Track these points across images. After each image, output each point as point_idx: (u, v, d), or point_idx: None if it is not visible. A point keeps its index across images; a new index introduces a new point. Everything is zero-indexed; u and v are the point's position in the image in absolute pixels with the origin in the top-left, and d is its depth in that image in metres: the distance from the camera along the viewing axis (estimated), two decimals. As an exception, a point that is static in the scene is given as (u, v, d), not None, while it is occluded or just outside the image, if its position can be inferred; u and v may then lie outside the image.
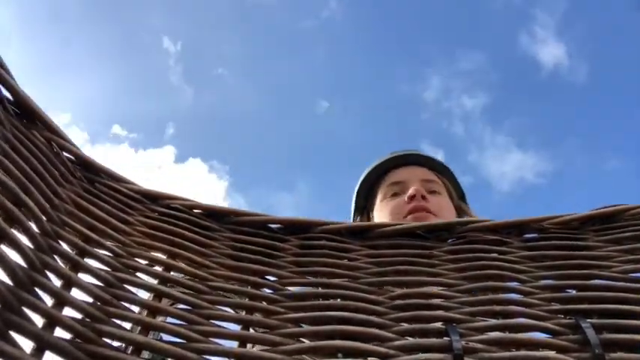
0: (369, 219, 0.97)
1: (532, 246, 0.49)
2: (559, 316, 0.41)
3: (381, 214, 0.93)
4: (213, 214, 0.48)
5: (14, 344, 0.29)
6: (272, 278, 0.45)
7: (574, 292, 0.43)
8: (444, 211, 0.88)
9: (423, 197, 0.87)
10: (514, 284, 0.44)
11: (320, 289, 0.44)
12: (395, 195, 0.92)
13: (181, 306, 0.39)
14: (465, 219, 0.51)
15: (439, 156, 1.04)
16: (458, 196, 0.98)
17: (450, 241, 0.50)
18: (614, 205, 0.51)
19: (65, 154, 0.41)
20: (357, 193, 1.00)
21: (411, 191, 0.88)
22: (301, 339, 0.39)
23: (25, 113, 0.39)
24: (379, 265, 0.47)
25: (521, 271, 0.46)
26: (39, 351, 0.30)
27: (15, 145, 0.35)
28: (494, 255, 0.47)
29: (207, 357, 0.36)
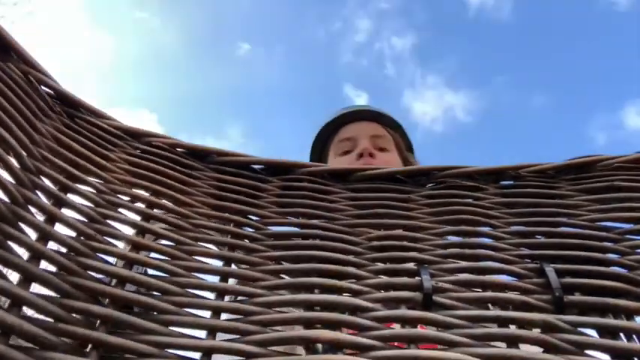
0: None
1: (507, 193, 0.50)
2: (526, 260, 0.43)
3: None
4: (195, 153, 0.48)
5: (1, 275, 0.30)
6: (254, 218, 0.46)
7: (543, 238, 0.45)
8: (390, 166, 0.94)
9: (371, 155, 0.92)
10: (486, 229, 0.46)
11: (300, 229, 0.45)
12: (346, 152, 0.97)
13: (164, 242, 0.40)
14: (444, 165, 0.52)
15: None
16: (406, 148, 1.04)
17: (428, 186, 0.51)
18: (589, 156, 0.52)
19: (44, 88, 0.40)
20: (312, 149, 1.05)
21: (358, 150, 0.94)
22: (281, 275, 0.41)
23: (0, 45, 0.37)
24: (358, 207, 0.48)
25: (494, 217, 0.47)
26: (26, 282, 0.31)
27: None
28: (469, 200, 0.49)
29: (190, 290, 0.37)
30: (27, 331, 0.29)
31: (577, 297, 0.40)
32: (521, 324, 0.38)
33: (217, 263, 0.41)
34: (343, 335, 0.35)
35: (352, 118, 1.01)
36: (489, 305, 0.39)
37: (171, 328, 0.34)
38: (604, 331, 0.38)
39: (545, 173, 0.52)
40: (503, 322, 0.38)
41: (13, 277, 0.31)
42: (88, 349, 0.31)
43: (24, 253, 0.32)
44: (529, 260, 0.43)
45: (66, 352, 0.30)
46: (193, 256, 0.40)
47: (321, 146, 1.04)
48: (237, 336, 0.35)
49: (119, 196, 0.40)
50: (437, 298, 0.39)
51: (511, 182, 0.52)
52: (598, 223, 0.47)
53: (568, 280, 0.41)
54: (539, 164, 0.53)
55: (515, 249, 0.44)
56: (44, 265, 0.33)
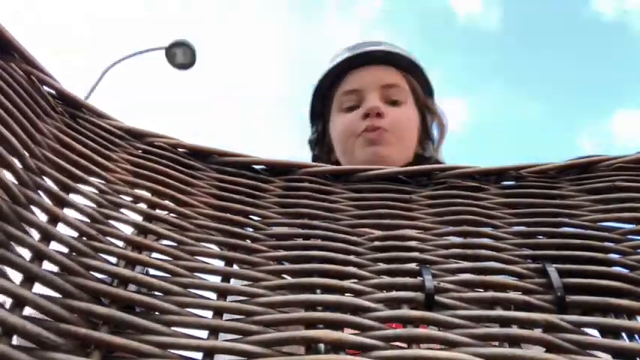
0: (324, 130, 0.91)
1: (508, 193, 0.50)
2: (528, 261, 0.43)
3: (336, 129, 0.86)
4: (197, 153, 0.48)
5: (4, 275, 0.30)
6: (255, 218, 0.46)
7: (544, 238, 0.45)
8: (401, 127, 0.82)
9: (379, 114, 0.79)
10: (488, 229, 0.46)
11: (301, 230, 0.45)
12: (351, 108, 0.83)
13: (166, 242, 0.40)
14: (446, 165, 0.52)
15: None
16: (425, 93, 0.88)
17: (429, 186, 0.51)
18: (591, 156, 0.52)
19: (46, 88, 0.40)
20: (312, 98, 0.90)
21: (364, 108, 0.80)
22: (282, 275, 0.41)
23: (1, 45, 0.37)
24: (359, 207, 0.48)
25: (495, 217, 0.47)
26: (28, 282, 0.31)
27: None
28: (471, 201, 0.49)
29: (192, 290, 0.37)
30: (29, 331, 0.29)
31: (579, 297, 0.40)
32: (524, 324, 0.38)
33: (219, 263, 0.41)
34: (345, 335, 0.35)
35: (360, 62, 0.83)
36: (491, 305, 0.39)
37: (173, 328, 0.34)
38: (606, 330, 0.38)
39: (546, 173, 0.52)
40: (505, 322, 0.38)
41: (16, 277, 0.31)
42: (90, 350, 0.31)
43: (26, 253, 0.32)
44: (531, 260, 0.43)
45: (68, 353, 0.30)
46: (195, 257, 0.40)
47: (321, 97, 0.88)
48: (240, 336, 0.35)
49: (121, 196, 0.40)
50: (439, 298, 0.39)
51: (512, 182, 0.52)
52: (600, 224, 0.47)
53: (570, 280, 0.41)
54: (540, 164, 0.53)
55: (517, 249, 0.44)
56: (46, 265, 0.33)
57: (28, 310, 0.30)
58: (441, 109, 0.92)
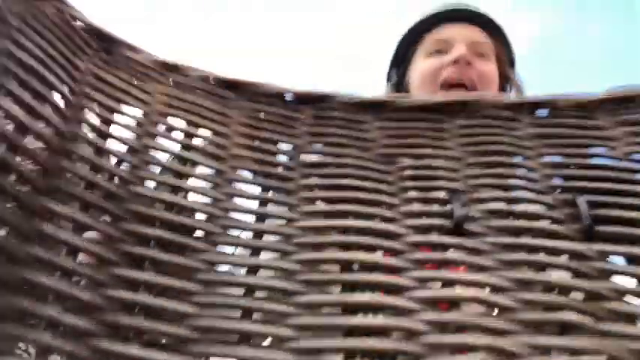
0: (404, 72, 0.93)
1: (542, 124, 0.50)
2: (558, 191, 0.44)
3: (418, 71, 0.89)
4: (228, 84, 0.48)
5: (63, 202, 0.32)
6: (287, 147, 0.47)
7: (576, 169, 0.46)
8: (486, 81, 0.82)
9: (469, 63, 0.81)
10: (519, 160, 0.46)
11: (333, 159, 0.46)
12: (438, 52, 0.86)
13: (205, 170, 0.41)
14: (479, 95, 0.51)
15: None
16: (508, 61, 0.90)
17: (462, 116, 0.51)
18: (629, 88, 0.50)
19: (78, 24, 0.40)
20: (401, 41, 0.93)
21: (455, 54, 0.82)
22: (316, 202, 0.42)
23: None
24: (390, 137, 0.48)
25: (527, 148, 0.47)
26: (83, 210, 0.33)
27: (26, 19, 0.34)
28: (503, 131, 0.49)
29: (232, 215, 0.39)
30: (92, 250, 0.32)
31: (607, 227, 0.41)
32: (550, 252, 0.39)
33: (255, 191, 0.43)
34: (379, 257, 0.38)
35: (453, 17, 0.87)
36: (519, 234, 0.40)
37: (218, 248, 0.36)
38: (632, 259, 0.39)
39: (582, 105, 0.51)
40: (532, 249, 0.39)
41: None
42: (145, 266, 0.34)
43: (79, 183, 0.34)
44: (561, 191, 0.44)
45: (127, 268, 0.33)
46: (233, 184, 0.41)
47: (410, 40, 0.91)
48: (279, 255, 0.38)
49: (159, 127, 0.41)
50: (468, 226, 0.40)
51: (546, 114, 0.51)
52: (633, 156, 0.46)
53: (599, 211, 0.42)
54: (576, 95, 0.52)
55: (548, 180, 0.45)
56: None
57: (86, 234, 0.33)
58: (522, 80, 0.92)
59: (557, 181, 0.44)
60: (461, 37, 0.85)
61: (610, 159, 0.46)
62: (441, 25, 0.88)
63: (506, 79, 0.89)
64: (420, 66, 0.88)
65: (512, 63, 0.92)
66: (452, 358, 0.32)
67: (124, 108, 0.40)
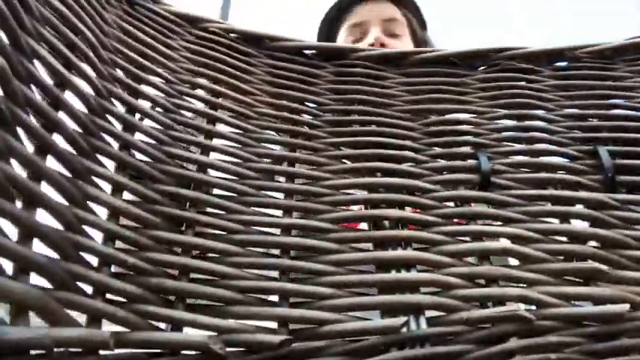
0: None
1: (562, 75, 0.50)
2: (579, 142, 0.44)
3: None
4: (249, 38, 0.47)
5: (100, 164, 0.32)
6: (311, 105, 0.47)
7: (597, 120, 0.46)
8: None
9: (382, 45, 0.86)
10: (541, 112, 0.47)
11: (357, 116, 0.46)
12: (355, 41, 0.90)
13: (233, 130, 0.41)
14: (499, 47, 0.51)
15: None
16: (421, 28, 0.96)
17: (481, 69, 0.50)
18: (651, 35, 0.50)
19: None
20: (319, 32, 0.97)
21: (369, 39, 0.88)
22: (343, 160, 0.43)
23: None
24: (412, 92, 0.48)
25: (548, 100, 0.48)
26: (120, 170, 0.34)
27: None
28: (524, 83, 0.49)
29: (262, 174, 0.40)
30: (131, 212, 0.32)
31: (628, 177, 0.42)
32: (574, 202, 0.40)
33: (282, 150, 0.43)
34: (408, 213, 0.38)
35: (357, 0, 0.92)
36: (544, 186, 0.41)
37: (252, 208, 0.37)
38: (653, 207, 0.40)
39: (602, 54, 0.51)
40: (556, 200, 0.40)
41: (110, 164, 0.33)
42: (183, 228, 0.35)
43: (115, 144, 0.34)
44: (582, 142, 0.45)
45: (166, 231, 0.33)
46: (261, 143, 0.41)
47: (327, 30, 0.96)
48: (311, 214, 0.38)
49: (186, 85, 0.41)
50: (494, 179, 0.41)
51: (566, 64, 0.51)
52: (653, 105, 0.47)
53: (620, 161, 0.43)
54: (596, 45, 0.51)
55: (569, 132, 0.45)
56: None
57: (125, 195, 0.33)
58: (433, 42, 0.97)
59: (578, 133, 0.45)
60: (373, 17, 0.90)
61: (631, 109, 0.47)
62: (351, 10, 0.92)
63: (424, 44, 0.95)
64: None
65: (423, 26, 0.97)
66: (483, 310, 0.34)
67: (153, 65, 0.39)
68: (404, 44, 0.91)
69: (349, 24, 0.92)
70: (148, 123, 0.37)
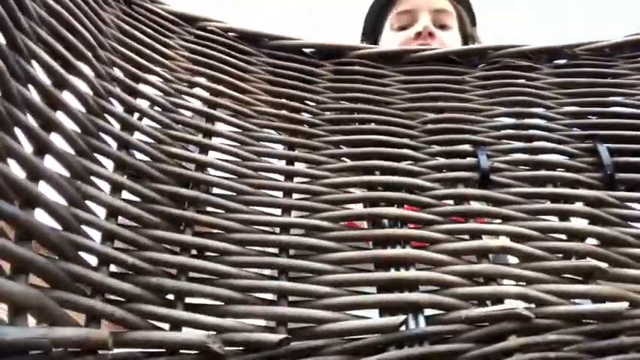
0: (375, 43, 0.95)
1: (561, 72, 0.50)
2: (578, 140, 0.44)
3: (385, 45, 0.91)
4: (248, 37, 0.47)
5: (99, 163, 0.32)
6: (310, 103, 0.46)
7: (596, 118, 0.46)
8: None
9: (431, 34, 0.85)
10: (540, 110, 0.47)
11: (356, 114, 0.46)
12: (403, 28, 0.89)
13: (232, 129, 0.41)
14: (498, 44, 0.51)
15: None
16: (470, 23, 0.95)
17: (481, 66, 0.50)
18: (651, 32, 0.50)
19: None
20: (367, 15, 0.96)
21: (417, 27, 0.86)
22: (342, 159, 0.43)
23: None
24: (411, 90, 0.48)
25: (547, 97, 0.48)
26: (118, 169, 0.34)
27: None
28: (523, 81, 0.49)
29: (261, 173, 0.40)
30: (131, 211, 0.32)
31: (627, 175, 0.42)
32: (573, 200, 0.40)
33: (281, 148, 0.43)
34: (407, 211, 0.38)
35: None
36: (543, 183, 0.41)
37: (251, 207, 0.37)
38: (651, 205, 0.40)
39: (601, 51, 0.51)
40: (555, 198, 0.40)
41: (108, 164, 0.33)
42: (182, 227, 0.35)
43: (112, 142, 0.34)
44: (581, 140, 0.44)
45: (165, 230, 0.33)
46: (260, 142, 0.41)
47: (376, 14, 0.94)
48: (309, 213, 0.38)
49: (184, 84, 0.41)
50: (493, 177, 0.41)
51: (565, 61, 0.51)
52: (652, 103, 0.47)
53: (619, 158, 0.43)
54: (595, 42, 0.51)
55: (568, 129, 0.45)
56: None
57: (124, 194, 0.33)
58: (481, 37, 0.96)
59: (577, 131, 0.45)
60: (423, 6, 0.88)
61: (630, 107, 0.46)
62: None
63: (472, 40, 0.94)
64: (389, 39, 0.90)
65: (473, 22, 0.95)
66: (482, 308, 0.34)
67: (151, 65, 0.39)
68: (452, 37, 0.89)
69: (399, 10, 0.90)
70: (146, 122, 0.37)
